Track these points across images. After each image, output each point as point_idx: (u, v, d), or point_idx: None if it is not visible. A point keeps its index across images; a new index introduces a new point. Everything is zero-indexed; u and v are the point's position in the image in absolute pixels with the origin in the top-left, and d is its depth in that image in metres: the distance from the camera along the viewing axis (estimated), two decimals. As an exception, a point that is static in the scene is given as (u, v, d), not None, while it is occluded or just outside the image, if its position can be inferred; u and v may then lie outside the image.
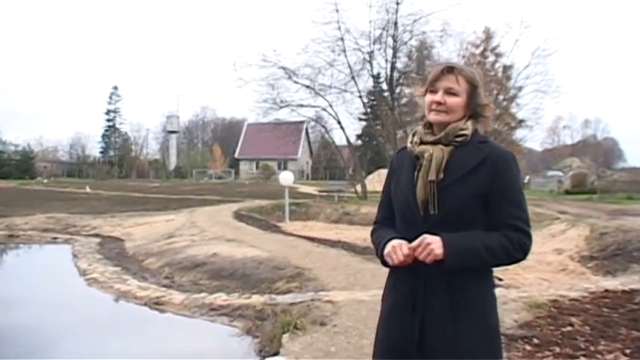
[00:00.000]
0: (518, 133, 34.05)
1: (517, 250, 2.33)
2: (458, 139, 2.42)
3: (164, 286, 10.19)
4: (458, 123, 2.44)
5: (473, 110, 2.47)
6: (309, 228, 18.90)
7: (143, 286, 10.00)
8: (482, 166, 2.36)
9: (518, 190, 2.41)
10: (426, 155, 2.41)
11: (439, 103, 2.44)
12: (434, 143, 2.44)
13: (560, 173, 53.08)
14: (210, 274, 10.78)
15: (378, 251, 2.54)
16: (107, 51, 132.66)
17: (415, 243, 2.31)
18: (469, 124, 2.45)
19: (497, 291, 7.40)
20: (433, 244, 2.26)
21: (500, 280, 8.91)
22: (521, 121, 31.79)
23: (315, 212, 23.01)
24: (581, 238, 12.82)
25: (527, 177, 51.27)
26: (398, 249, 2.35)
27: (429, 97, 2.49)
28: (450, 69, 2.47)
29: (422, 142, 2.49)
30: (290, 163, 68.03)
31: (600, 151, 78.45)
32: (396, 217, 2.55)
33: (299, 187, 40.55)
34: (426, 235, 2.29)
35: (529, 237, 2.37)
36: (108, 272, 11.39)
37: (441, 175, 2.37)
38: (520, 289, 8.29)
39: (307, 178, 69.47)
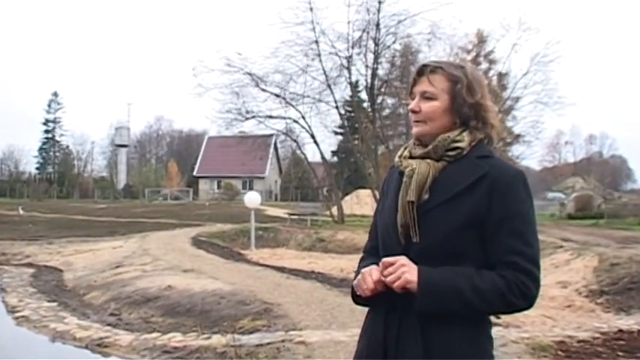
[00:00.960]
0: (515, 150, 34.34)
1: (515, 295, 2.06)
2: (450, 154, 2.23)
3: (109, 324, 9.97)
4: (449, 133, 2.24)
5: (460, 114, 2.25)
6: (278, 256, 18.88)
7: (84, 324, 9.77)
8: (478, 186, 2.15)
9: (525, 218, 2.16)
10: (407, 171, 2.25)
11: (414, 111, 2.30)
12: (422, 157, 2.27)
13: (561, 195, 53.77)
14: (163, 311, 10.62)
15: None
16: (45, 52, 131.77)
17: (388, 259, 2.13)
18: (465, 134, 2.24)
19: (495, 331, 7.33)
20: (407, 267, 2.08)
21: (498, 317, 8.83)
22: (519, 135, 32.06)
23: (285, 238, 22.97)
24: (588, 270, 12.88)
25: (525, 199, 51.63)
26: (367, 275, 2.18)
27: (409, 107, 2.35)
28: (420, 70, 2.32)
29: (411, 157, 2.33)
30: (256, 182, 67.87)
31: (607, 171, 79.40)
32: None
33: (267, 209, 40.50)
34: (403, 257, 2.11)
35: (533, 279, 2.10)
36: (42, 309, 11.11)
37: (426, 196, 2.18)
38: (521, 328, 8.25)
39: (276, 199, 69.37)
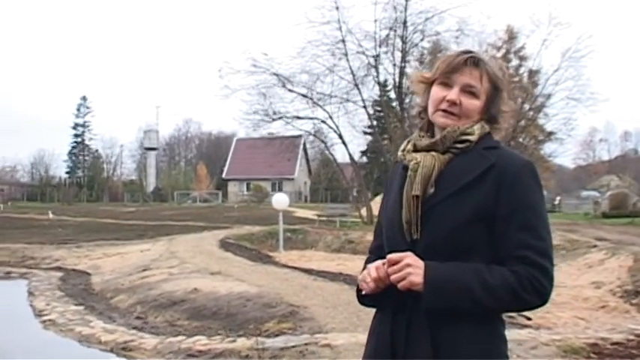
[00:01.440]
0: (547, 148, 33.96)
1: (528, 292, 1.99)
2: (458, 146, 2.16)
3: (135, 327, 10.00)
4: (460, 125, 2.19)
5: (489, 117, 2.22)
6: (306, 258, 18.85)
7: (109, 328, 9.81)
8: (485, 178, 2.08)
9: (535, 210, 2.09)
10: (411, 164, 2.17)
11: (453, 103, 2.17)
12: (427, 150, 2.20)
13: (596, 193, 53.00)
14: (189, 314, 10.62)
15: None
16: (75, 57, 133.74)
17: (393, 257, 2.05)
18: (476, 127, 2.18)
19: (526, 332, 7.21)
20: (413, 268, 2.00)
21: (529, 319, 8.73)
22: (551, 133, 31.68)
23: (314, 240, 22.91)
24: (623, 270, 12.67)
25: (558, 198, 51.28)
26: (369, 272, 2.12)
27: (438, 91, 2.21)
28: (475, 61, 2.19)
29: (415, 149, 2.26)
30: (286, 184, 68.01)
31: (643, 168, 78.25)
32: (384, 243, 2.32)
33: (296, 210, 40.48)
34: (409, 254, 2.03)
35: (546, 274, 2.02)
36: (69, 312, 11.20)
37: (431, 190, 2.11)
38: (552, 330, 8.12)
39: (305, 201, 69.44)
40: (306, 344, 7.33)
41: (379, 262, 2.10)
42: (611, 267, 13.23)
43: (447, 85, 2.19)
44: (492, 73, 2.20)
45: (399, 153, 2.30)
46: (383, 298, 2.14)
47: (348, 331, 8.04)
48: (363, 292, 2.16)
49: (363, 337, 7.19)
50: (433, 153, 2.17)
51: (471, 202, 2.06)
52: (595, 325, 8.74)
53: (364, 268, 2.34)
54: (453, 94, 2.17)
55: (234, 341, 8.15)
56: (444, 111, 2.18)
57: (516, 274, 1.99)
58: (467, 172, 2.11)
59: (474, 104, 2.18)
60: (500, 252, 2.06)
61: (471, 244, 2.07)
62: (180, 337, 8.75)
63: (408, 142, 2.32)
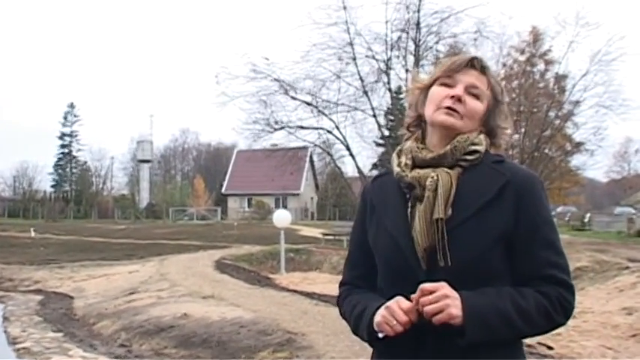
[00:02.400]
0: (576, 160, 33.76)
1: (558, 313, 2.06)
2: (468, 158, 2.15)
3: (117, 357, 10.09)
4: (469, 134, 2.18)
5: (487, 127, 2.24)
6: (309, 281, 18.85)
7: (89, 357, 9.86)
8: (503, 196, 2.08)
9: (552, 225, 2.15)
10: (428, 183, 2.11)
11: (459, 100, 2.17)
12: (434, 164, 2.15)
13: (631, 210, 52.81)
14: (177, 341, 10.65)
15: (359, 325, 2.19)
16: (62, 61, 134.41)
17: (428, 286, 1.97)
18: (482, 137, 2.20)
19: (546, 363, 7.08)
20: (451, 300, 1.94)
21: (550, 348, 8.64)
22: (579, 143, 31.51)
23: (318, 261, 22.92)
24: (657, 294, 12.57)
25: (588, 215, 51.09)
26: (395, 307, 2.00)
27: (439, 90, 2.21)
28: (482, 64, 2.23)
29: (415, 165, 2.20)
30: (290, 200, 68.03)
31: (682, 181, 78.04)
32: (380, 275, 2.24)
33: (301, 229, 40.56)
34: (445, 284, 1.97)
35: (572, 291, 2.10)
36: (46, 340, 11.23)
37: (449, 212, 2.08)
38: (576, 360, 8.00)
39: (312, 218, 69.44)
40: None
41: (407, 303, 2.00)
42: (644, 291, 13.13)
43: (449, 85, 2.20)
44: (495, 82, 2.24)
45: (396, 169, 2.23)
46: (399, 338, 2.04)
47: (349, 360, 7.99)
48: (381, 335, 2.05)
49: (363, 368, 7.07)
50: (445, 169, 2.14)
51: (493, 222, 2.07)
52: (624, 355, 8.67)
53: (341, 299, 2.34)
54: (457, 90, 2.17)
55: (224, 372, 8.13)
56: (448, 108, 2.17)
57: (547, 296, 2.04)
58: (483, 189, 2.11)
59: (479, 106, 2.19)
60: (524, 272, 2.09)
61: (495, 269, 2.08)
62: (165, 367, 8.72)
63: (399, 154, 2.27)
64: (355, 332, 2.24)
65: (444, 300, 1.94)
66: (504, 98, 2.26)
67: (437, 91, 2.20)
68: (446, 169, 2.13)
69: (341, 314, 2.37)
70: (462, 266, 2.02)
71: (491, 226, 2.06)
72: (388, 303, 2.04)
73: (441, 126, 2.18)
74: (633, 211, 51.05)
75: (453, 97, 2.15)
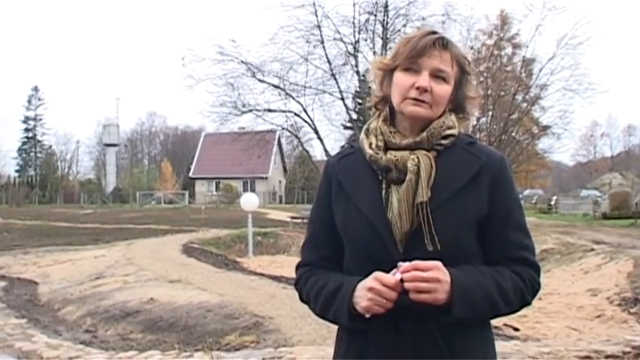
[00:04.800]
0: (543, 143, 34.05)
1: (529, 293, 2.10)
2: (443, 142, 2.13)
3: (82, 342, 9.91)
4: (442, 119, 2.14)
5: (457, 105, 2.20)
6: (277, 264, 18.88)
7: (54, 343, 9.65)
8: (479, 179, 2.09)
9: (521, 207, 2.20)
10: (410, 165, 2.07)
11: (424, 91, 2.09)
12: (411, 147, 2.11)
13: (596, 193, 53.45)
14: (143, 326, 10.63)
15: (330, 306, 2.12)
16: (24, 43, 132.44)
17: (423, 263, 1.91)
18: (454, 118, 2.17)
19: (511, 345, 7.19)
20: (440, 285, 1.91)
21: (516, 329, 8.73)
22: (546, 127, 31.76)
23: (286, 244, 22.98)
24: (622, 275, 12.74)
25: (555, 198, 51.62)
26: (381, 287, 1.92)
27: (404, 78, 2.12)
28: (445, 42, 2.14)
29: (388, 147, 2.15)
30: (259, 183, 68.02)
31: (648, 165, 79.06)
32: (350, 257, 2.18)
33: (269, 212, 40.62)
34: (439, 264, 1.93)
35: (539, 272, 2.16)
36: (9, 326, 11.01)
37: (428, 194, 2.05)
38: (541, 342, 8.10)
39: (280, 202, 69.54)
40: (269, 359, 7.26)
41: (390, 279, 1.94)
42: (608, 272, 13.30)
43: (413, 70, 2.11)
44: (459, 55, 2.16)
45: (369, 150, 2.16)
46: (374, 320, 2.00)
47: (316, 344, 8.03)
48: (368, 315, 1.99)
49: (331, 351, 7.09)
50: (424, 152, 2.10)
51: (470, 204, 2.07)
52: (589, 336, 8.76)
53: (301, 281, 2.26)
54: (423, 80, 2.09)
55: (190, 356, 8.07)
56: (415, 99, 2.10)
57: (521, 277, 2.07)
58: (460, 172, 2.10)
59: (445, 90, 2.12)
60: (497, 254, 2.10)
61: (471, 250, 2.09)
62: (131, 353, 8.63)
63: (367, 133, 2.21)
64: (323, 314, 2.17)
65: (435, 283, 1.91)
66: (471, 67, 2.21)
67: (402, 79, 2.12)
68: (424, 152, 2.10)
69: (301, 297, 2.29)
70: (440, 249, 2.00)
71: (468, 209, 2.07)
72: (368, 283, 1.97)
73: (410, 117, 2.13)
74: (599, 194, 51.67)
75: (419, 88, 2.09)
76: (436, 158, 2.10)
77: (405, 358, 2.01)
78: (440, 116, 2.14)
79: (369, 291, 1.95)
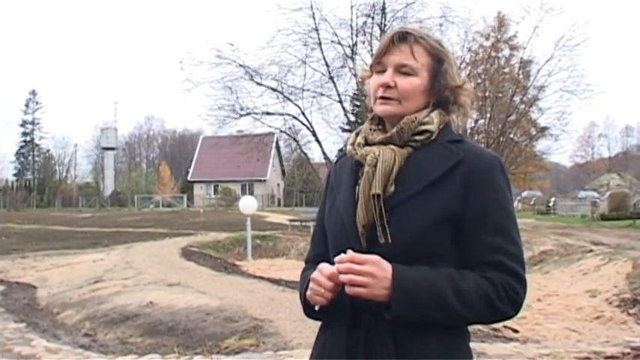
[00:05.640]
0: (541, 144, 34.06)
1: (502, 300, 1.96)
2: (417, 138, 2.09)
3: (81, 346, 9.92)
4: (417, 114, 2.10)
5: (438, 97, 2.14)
6: (276, 267, 18.93)
7: (53, 347, 9.66)
8: (452, 176, 2.02)
9: (507, 211, 2.06)
10: (368, 159, 2.08)
11: (387, 87, 2.10)
12: (384, 143, 2.11)
13: (594, 194, 53.50)
14: (143, 329, 10.60)
15: (301, 298, 2.20)
16: (23, 46, 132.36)
17: (357, 256, 1.91)
18: (434, 115, 2.12)
19: (511, 347, 7.17)
20: (375, 280, 1.88)
21: (516, 331, 8.72)
22: (544, 128, 31.78)
23: (285, 247, 22.97)
24: (621, 277, 12.75)
25: (553, 199, 51.62)
26: (319, 276, 1.97)
27: (374, 80, 2.15)
28: (402, 36, 2.12)
29: (367, 143, 2.17)
30: (257, 186, 67.97)
31: (645, 166, 79.06)
32: (330, 252, 2.19)
33: (267, 215, 40.58)
34: (375, 258, 1.91)
35: (521, 281, 2.00)
36: (8, 330, 11.01)
37: (392, 189, 2.03)
38: (541, 343, 8.10)
39: (279, 204, 69.46)
40: (269, 362, 7.28)
41: (328, 268, 1.96)
42: (607, 274, 13.31)
43: (382, 71, 2.14)
44: (429, 45, 2.13)
45: (349, 147, 2.21)
46: (334, 310, 2.03)
47: (316, 347, 7.98)
48: (317, 308, 2.03)
49: (329, 354, 7.10)
50: (392, 146, 2.09)
51: (438, 202, 2.00)
52: (588, 337, 8.76)
53: (302, 279, 2.26)
54: (385, 77, 2.11)
55: (190, 359, 8.08)
56: (382, 98, 2.12)
57: (490, 282, 1.95)
58: (431, 168, 2.04)
59: (411, 83, 2.10)
60: (470, 257, 2.01)
61: (437, 248, 2.00)
62: (130, 357, 8.69)
63: (357, 134, 2.24)
64: (304, 310, 2.22)
65: (368, 278, 1.89)
66: (449, 56, 2.15)
67: (372, 82, 2.16)
68: (391, 147, 2.09)
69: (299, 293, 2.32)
70: (399, 245, 1.97)
71: (435, 206, 2.00)
72: (313, 274, 2.02)
73: (381, 116, 2.16)
74: (597, 195, 51.73)
75: (382, 85, 2.11)
76: (411, 154, 2.08)
77: (356, 353, 2.00)
78: (417, 111, 2.11)
79: (312, 281, 2.00)
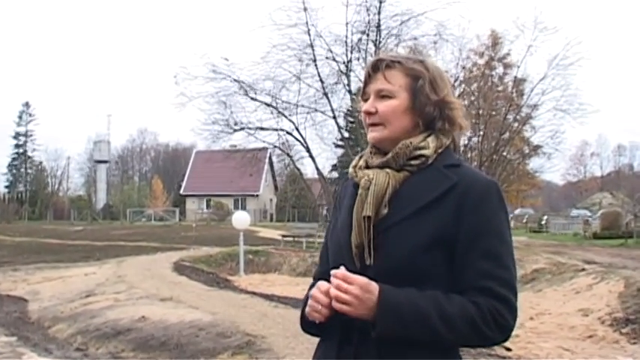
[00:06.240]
0: (534, 162, 34.18)
1: (489, 326, 1.97)
2: (413, 163, 2.14)
3: (73, 360, 9.86)
4: (412, 139, 2.16)
5: (422, 114, 2.17)
6: (269, 283, 18.88)
7: (44, 362, 9.66)
8: (446, 199, 2.06)
9: (501, 236, 2.08)
10: (362, 182, 2.15)
11: (369, 113, 2.20)
12: (381, 167, 2.18)
13: (586, 212, 53.58)
14: (135, 344, 10.56)
15: (301, 314, 2.29)
16: (16, 58, 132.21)
17: (345, 274, 1.96)
18: (430, 140, 2.16)
19: (504, 365, 7.15)
20: (358, 302, 1.94)
21: (509, 349, 8.71)
22: (537, 147, 31.89)
23: (278, 262, 22.94)
24: (613, 296, 12.74)
25: (546, 217, 51.71)
26: (316, 292, 2.04)
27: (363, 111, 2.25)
28: (374, 65, 2.24)
29: (367, 166, 2.25)
30: (249, 201, 67.90)
31: (638, 185, 78.74)
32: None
33: (260, 230, 40.55)
34: (362, 280, 1.95)
35: (509, 307, 2.01)
36: (-2, 345, 11.00)
37: (384, 211, 2.08)
38: (534, 362, 8.08)
39: (271, 220, 69.38)
40: (261, 379, 7.26)
41: (325, 285, 2.02)
42: (600, 293, 13.28)
43: (367, 100, 2.24)
44: (403, 67, 2.19)
45: (350, 169, 2.28)
46: (328, 326, 2.08)
47: (309, 363, 7.96)
48: (317, 322, 2.08)
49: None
50: (387, 170, 2.15)
51: (429, 225, 2.04)
52: (581, 356, 8.77)
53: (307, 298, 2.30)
54: (367, 104, 2.21)
55: (182, 375, 8.08)
56: (369, 125, 2.21)
57: (477, 306, 1.97)
58: (425, 192, 2.08)
59: (390, 105, 2.17)
60: (461, 281, 2.03)
61: (428, 272, 2.03)
62: (123, 371, 8.64)
63: (360, 157, 2.31)
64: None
65: (352, 298, 1.93)
66: (426, 73, 2.18)
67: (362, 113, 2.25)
68: (387, 170, 2.14)
69: None
70: (390, 266, 2.02)
71: (427, 229, 2.03)
72: (312, 291, 2.09)
73: (373, 143, 2.23)
74: (589, 213, 51.85)
75: (365, 112, 2.20)
76: (407, 178, 2.13)
77: None
78: (409, 135, 2.17)
79: (310, 297, 2.07)
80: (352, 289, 1.94)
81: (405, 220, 2.05)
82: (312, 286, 2.33)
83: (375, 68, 2.21)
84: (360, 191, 2.14)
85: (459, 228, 2.04)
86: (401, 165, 2.14)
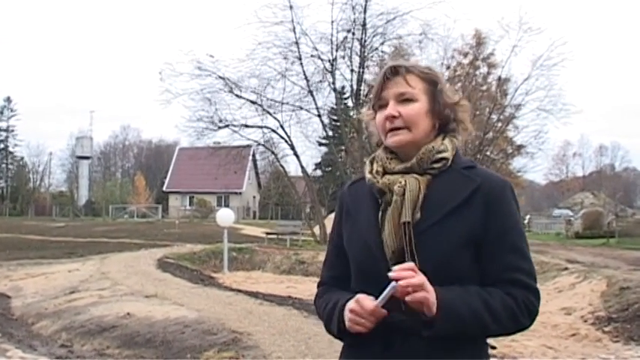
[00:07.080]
0: (517, 162, 34.40)
1: (524, 314, 2.14)
2: (435, 166, 2.23)
3: (58, 357, 9.87)
4: (432, 143, 2.25)
5: (440, 117, 2.28)
6: (253, 280, 18.81)
7: (29, 358, 9.64)
8: (472, 201, 2.17)
9: (520, 230, 2.24)
10: (396, 188, 2.20)
11: (393, 117, 2.24)
12: (404, 172, 2.25)
13: (569, 212, 53.93)
14: (120, 341, 10.50)
15: (331, 323, 2.28)
16: None
17: (415, 267, 2.02)
18: (447, 142, 2.27)
19: (489, 363, 7.22)
20: (427, 294, 2.00)
21: (493, 347, 8.76)
22: (520, 146, 32.08)
23: (262, 260, 22.87)
24: (595, 295, 12.83)
25: (528, 217, 52.04)
26: (360, 310, 2.08)
27: (379, 116, 2.29)
28: (393, 70, 2.28)
29: (386, 172, 2.29)
30: (233, 198, 67.74)
31: (619, 185, 79.63)
32: (352, 276, 2.32)
33: (243, 227, 40.49)
34: (423, 277, 2.02)
35: (537, 295, 2.19)
36: (-18, 341, 10.92)
37: (417, 215, 2.16)
38: (518, 360, 8.14)
39: (254, 217, 69.32)
40: (248, 375, 7.27)
41: (369, 304, 2.06)
42: (582, 292, 13.39)
43: (383, 106, 2.27)
44: (420, 71, 2.28)
45: (368, 175, 2.31)
46: (367, 337, 2.13)
47: (295, 360, 7.99)
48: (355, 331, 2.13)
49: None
50: (415, 175, 2.22)
51: (461, 226, 2.15)
52: (564, 354, 8.83)
53: (317, 299, 2.43)
54: (389, 109, 2.24)
55: (168, 372, 8.07)
56: (391, 130, 2.25)
57: (513, 297, 2.12)
58: (452, 195, 2.18)
59: (415, 108, 2.24)
60: (490, 275, 2.16)
61: (461, 271, 2.14)
62: (108, 368, 8.63)
63: (371, 162, 2.35)
64: (328, 330, 2.32)
65: (420, 293, 1.99)
66: (441, 78, 2.31)
67: (378, 118, 2.29)
68: (415, 176, 2.21)
69: (317, 313, 2.44)
70: (429, 268, 2.07)
71: (459, 230, 2.14)
72: (350, 304, 2.12)
73: (394, 147, 2.28)
74: (571, 213, 52.16)
75: (388, 117, 2.24)
76: (430, 182, 2.21)
77: None
78: (429, 139, 2.25)
79: (350, 312, 2.11)
80: (417, 280, 2.00)
81: (437, 223, 2.15)
82: (321, 293, 2.43)
83: (395, 72, 2.26)
84: (394, 198, 2.19)
85: (486, 227, 2.15)
86: (424, 169, 2.22)
